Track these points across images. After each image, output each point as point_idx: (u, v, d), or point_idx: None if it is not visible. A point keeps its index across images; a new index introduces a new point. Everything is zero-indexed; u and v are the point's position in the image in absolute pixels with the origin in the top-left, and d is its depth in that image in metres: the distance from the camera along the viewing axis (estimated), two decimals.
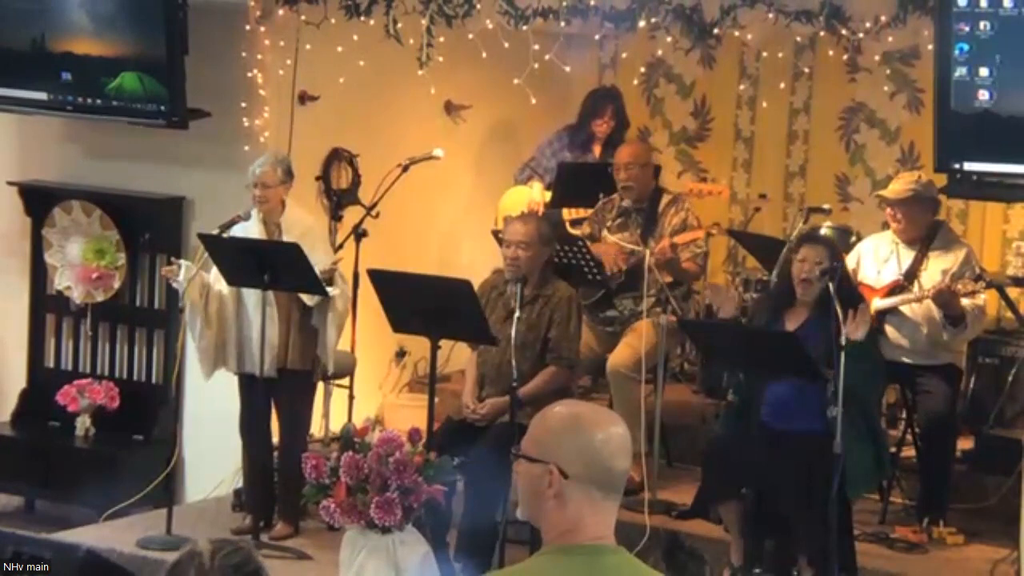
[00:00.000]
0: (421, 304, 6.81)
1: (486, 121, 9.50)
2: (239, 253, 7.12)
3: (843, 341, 6.09)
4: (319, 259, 7.11)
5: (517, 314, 6.71)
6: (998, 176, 6.60)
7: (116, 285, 8.79)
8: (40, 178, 8.96)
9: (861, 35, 6.99)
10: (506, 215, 8.65)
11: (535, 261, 7.01)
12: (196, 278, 7.21)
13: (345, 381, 8.21)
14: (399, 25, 7.77)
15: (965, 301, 6.93)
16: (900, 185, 7.26)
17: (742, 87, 9.75)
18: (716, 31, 7.25)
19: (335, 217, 8.66)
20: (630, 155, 7.86)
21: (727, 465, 6.53)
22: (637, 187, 7.76)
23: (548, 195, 8.66)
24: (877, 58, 7.91)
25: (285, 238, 7.21)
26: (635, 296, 7.68)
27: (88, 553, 6.01)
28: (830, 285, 6.29)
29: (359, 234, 8.18)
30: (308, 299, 7.21)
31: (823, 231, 8.19)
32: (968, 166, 6.58)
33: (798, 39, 7.65)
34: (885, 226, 7.55)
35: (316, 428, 8.13)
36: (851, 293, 6.56)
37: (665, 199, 7.82)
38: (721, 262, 9.46)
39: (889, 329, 7.18)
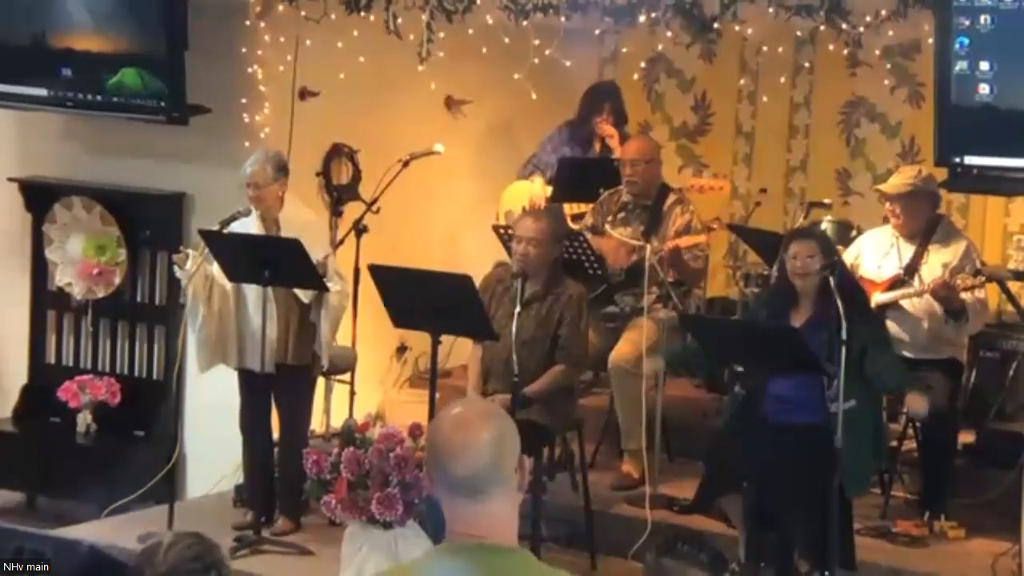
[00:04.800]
0: (422, 299, 6.81)
1: (486, 116, 9.49)
2: (240, 249, 7.12)
3: (843, 336, 6.09)
4: (317, 254, 7.10)
5: (517, 310, 6.72)
6: (999, 170, 6.59)
7: (117, 281, 8.79)
8: (40, 174, 8.96)
9: (861, 29, 6.99)
10: (508, 210, 8.66)
11: (545, 258, 7.04)
12: (200, 270, 7.21)
13: (346, 376, 8.22)
14: (399, 20, 7.76)
15: (965, 295, 6.93)
16: (899, 180, 7.26)
17: (742, 82, 9.75)
18: (716, 26, 7.25)
19: (336, 213, 8.66)
20: (635, 151, 7.86)
21: (728, 459, 6.53)
22: (641, 183, 7.76)
23: (549, 190, 8.66)
24: (877, 52, 7.92)
25: (284, 234, 7.20)
26: (636, 293, 7.67)
27: (90, 549, 6.01)
28: (831, 280, 6.29)
29: (360, 230, 8.18)
30: (303, 295, 7.21)
31: (824, 226, 8.20)
32: (969, 160, 6.58)
33: (798, 34, 7.64)
34: (886, 220, 7.55)
35: (317, 423, 8.14)
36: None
37: (671, 198, 7.80)
38: (722, 256, 9.46)
39: (890, 323, 7.17)
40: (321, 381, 7.85)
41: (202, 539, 3.25)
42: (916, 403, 6.52)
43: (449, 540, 3.05)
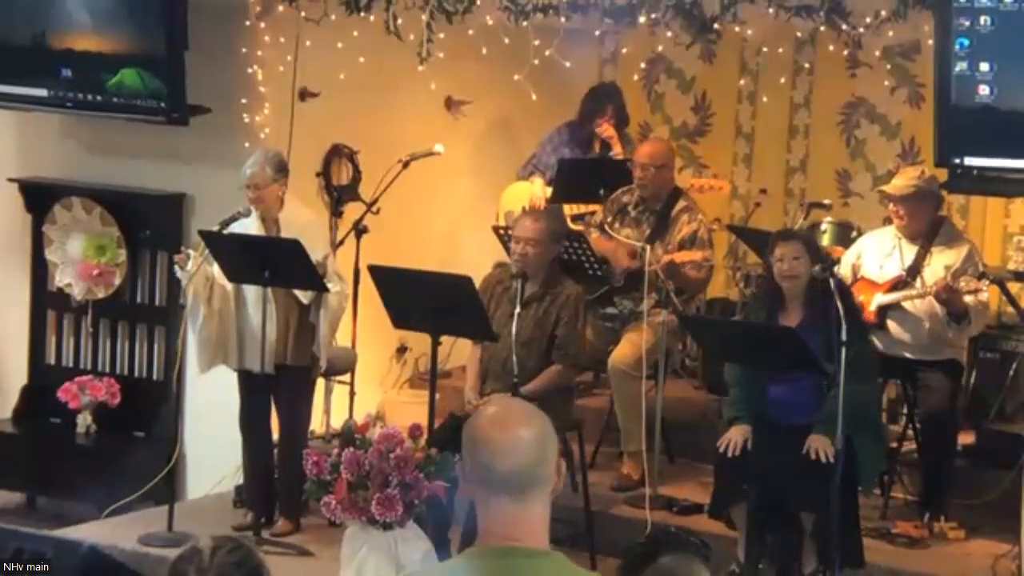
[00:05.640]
0: (422, 300, 6.82)
1: (486, 117, 9.49)
2: (240, 250, 7.12)
3: (843, 336, 6.09)
4: (317, 255, 7.10)
5: (517, 310, 6.73)
6: (998, 171, 6.60)
7: (117, 282, 8.79)
8: (40, 175, 8.96)
9: (862, 30, 6.99)
10: (508, 210, 8.66)
11: (543, 258, 7.05)
12: (200, 270, 7.21)
13: (346, 377, 8.22)
14: (399, 21, 7.77)
15: (968, 298, 6.93)
16: (903, 181, 7.25)
17: (743, 82, 9.75)
18: (716, 26, 7.25)
19: (336, 213, 8.66)
20: (647, 156, 7.79)
21: (739, 467, 6.50)
22: (652, 187, 7.71)
23: (549, 191, 8.66)
24: (877, 53, 7.91)
25: (283, 235, 7.20)
26: (635, 296, 7.66)
27: (90, 550, 6.02)
28: (831, 281, 6.28)
29: (360, 230, 8.18)
30: (303, 295, 7.21)
31: (824, 227, 8.20)
32: (969, 161, 6.58)
33: (798, 34, 7.65)
34: (887, 221, 7.55)
35: (317, 424, 8.14)
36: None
37: (680, 204, 7.73)
38: (722, 257, 9.44)
39: (891, 324, 7.19)
40: (321, 382, 7.85)
41: (241, 544, 3.28)
42: (820, 446, 6.25)
43: (483, 542, 3.00)
